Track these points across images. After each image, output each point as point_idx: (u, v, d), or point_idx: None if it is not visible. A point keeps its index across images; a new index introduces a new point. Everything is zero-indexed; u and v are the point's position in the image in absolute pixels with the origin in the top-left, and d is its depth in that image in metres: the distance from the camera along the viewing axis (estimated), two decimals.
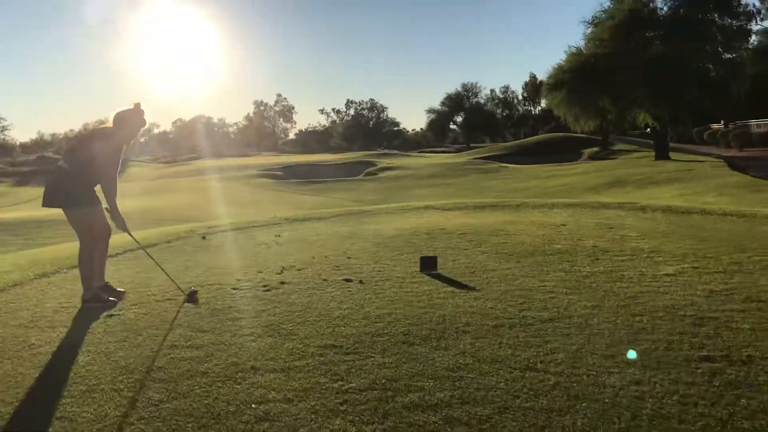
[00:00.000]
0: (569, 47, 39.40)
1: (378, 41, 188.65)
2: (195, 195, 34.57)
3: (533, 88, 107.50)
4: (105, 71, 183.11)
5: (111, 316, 4.84)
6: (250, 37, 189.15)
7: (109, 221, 5.31)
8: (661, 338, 3.85)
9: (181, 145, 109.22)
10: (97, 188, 5.32)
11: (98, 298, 5.13)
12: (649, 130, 57.87)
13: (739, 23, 35.72)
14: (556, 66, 38.60)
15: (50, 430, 2.98)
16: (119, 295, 5.33)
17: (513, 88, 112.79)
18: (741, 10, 35.34)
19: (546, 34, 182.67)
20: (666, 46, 34.27)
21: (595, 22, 37.94)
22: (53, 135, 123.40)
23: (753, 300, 4.59)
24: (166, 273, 5.58)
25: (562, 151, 53.80)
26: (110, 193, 5.12)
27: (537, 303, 4.72)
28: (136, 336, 4.31)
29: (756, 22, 38.03)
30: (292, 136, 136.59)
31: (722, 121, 50.46)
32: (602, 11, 37.77)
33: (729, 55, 35.79)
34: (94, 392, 3.38)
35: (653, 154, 40.07)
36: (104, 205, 5.22)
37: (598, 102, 36.62)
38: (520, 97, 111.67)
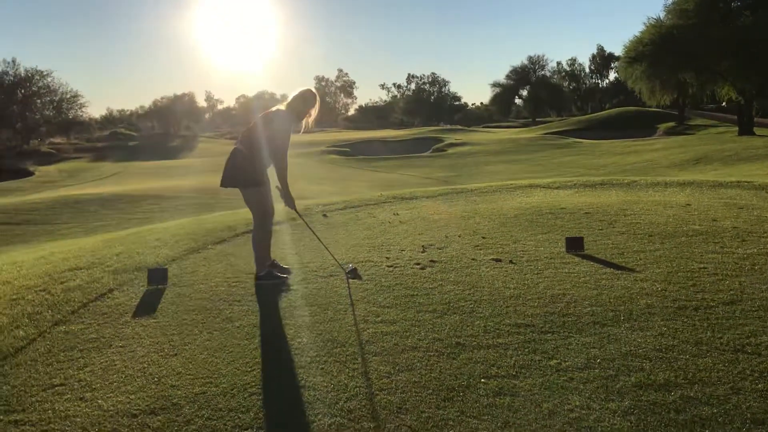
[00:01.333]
0: (649, 18, 38.26)
1: (439, 14, 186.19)
2: (270, 172, 35.15)
3: (601, 60, 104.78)
4: (170, 48, 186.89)
5: (288, 291, 5.10)
6: (310, 13, 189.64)
7: (278, 200, 5.55)
8: None
9: (245, 121, 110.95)
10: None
11: (271, 274, 5.40)
12: (724, 104, 55.89)
13: None
14: (634, 38, 37.56)
15: (301, 398, 3.21)
16: (286, 272, 5.58)
17: (580, 60, 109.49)
18: None
19: (612, 4, 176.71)
20: (755, 15, 32.84)
21: None
22: (121, 111, 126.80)
23: None
24: (329, 251, 5.83)
25: (636, 126, 52.44)
26: (282, 172, 5.35)
27: (708, 285, 4.74)
28: (324, 311, 4.55)
29: None
30: (352, 111, 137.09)
31: None
32: None
33: None
34: (320, 363, 3.61)
35: (735, 129, 38.72)
36: (275, 184, 5.45)
37: (680, 75, 35.50)
38: (587, 70, 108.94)
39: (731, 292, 4.56)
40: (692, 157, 27.89)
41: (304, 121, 5.54)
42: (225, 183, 5.44)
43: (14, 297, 5.24)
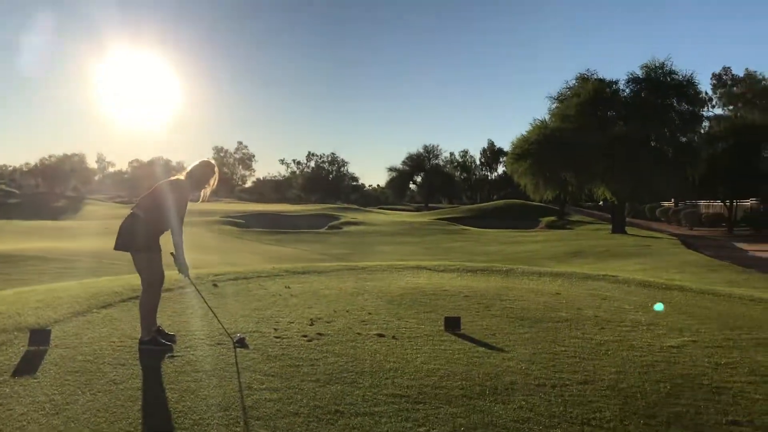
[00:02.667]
0: (535, 120, 41.25)
1: (341, 98, 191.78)
2: (164, 238, 34.35)
3: (491, 154, 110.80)
4: (63, 104, 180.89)
5: (173, 356, 5.17)
6: (212, 82, 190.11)
7: (170, 266, 5.67)
8: (688, 403, 4.41)
9: (138, 186, 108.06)
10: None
11: (155, 341, 5.45)
12: (601, 203, 60.21)
13: (693, 108, 38.17)
14: (521, 137, 40.27)
15: None
16: (171, 339, 5.65)
17: (471, 152, 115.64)
18: (697, 96, 37.81)
19: (504, 104, 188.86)
20: (627, 125, 36.28)
21: (561, 98, 39.96)
22: (3, 166, 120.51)
23: (757, 374, 5.21)
24: (218, 319, 5.95)
25: (520, 217, 55.51)
26: (178, 240, 5.51)
27: (567, 366, 5.25)
28: (210, 377, 4.67)
29: (708, 108, 40.76)
30: (250, 183, 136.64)
31: (672, 199, 52.98)
32: (567, 89, 39.87)
33: (684, 138, 38.07)
34: (202, 426, 3.74)
35: (609, 226, 41.79)
36: (170, 250, 5.58)
37: (561, 173, 38.23)
38: (478, 162, 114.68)
39: (585, 373, 5.07)
40: (570, 251, 29.74)
41: (201, 192, 5.77)
42: (118, 246, 5.52)
43: None
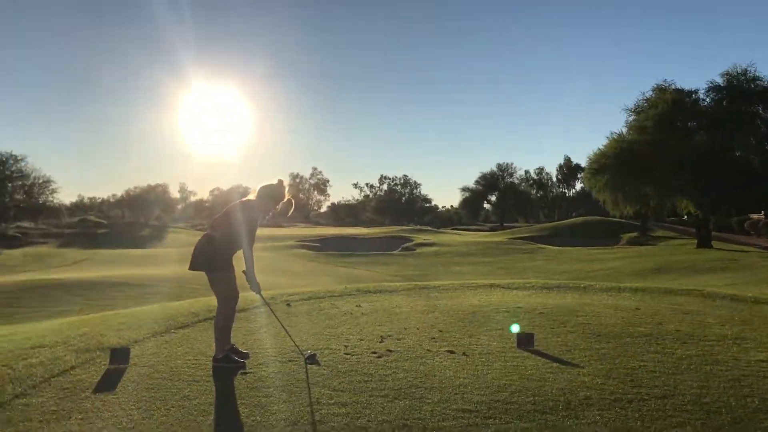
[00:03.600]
0: (612, 133, 40.23)
1: (413, 118, 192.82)
2: (238, 263, 35.34)
3: (568, 170, 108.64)
4: (147, 138, 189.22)
5: (246, 373, 5.27)
6: (287, 111, 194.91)
7: (244, 286, 5.79)
8: None
9: (218, 213, 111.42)
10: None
11: (229, 358, 5.56)
12: (685, 217, 57.90)
13: None
14: (597, 151, 39.33)
15: None
16: (245, 356, 5.75)
17: (548, 169, 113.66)
18: None
19: (579, 119, 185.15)
20: (709, 135, 34.89)
21: (638, 110, 38.85)
22: (92, 198, 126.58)
23: None
24: (290, 337, 6.03)
25: (600, 235, 53.97)
26: (248, 258, 5.63)
27: (645, 381, 5.03)
28: (280, 392, 4.72)
29: None
30: (324, 208, 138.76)
31: (762, 212, 50.39)
32: (644, 100, 38.74)
33: None
34: None
35: (694, 241, 40.13)
36: (242, 268, 5.71)
37: (640, 188, 37.06)
38: (555, 179, 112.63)
39: (665, 387, 4.85)
40: (652, 267, 28.75)
41: (272, 211, 5.89)
42: (193, 266, 5.69)
43: None
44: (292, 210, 6.05)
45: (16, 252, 46.98)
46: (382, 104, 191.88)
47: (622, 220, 55.72)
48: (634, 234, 52.62)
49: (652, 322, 7.66)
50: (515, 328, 4.23)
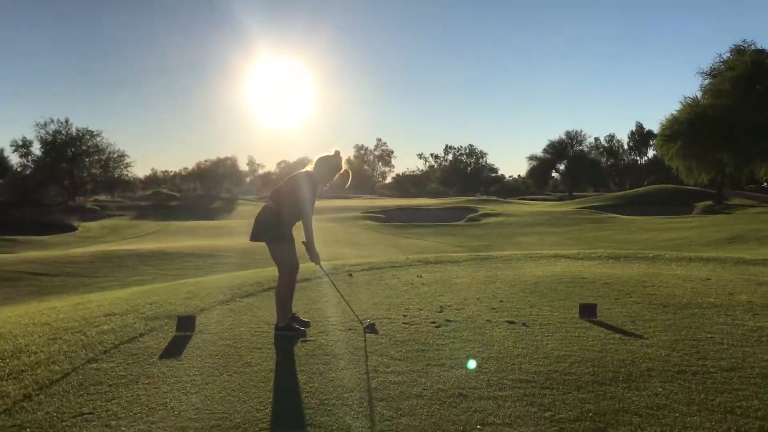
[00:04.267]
0: (685, 98, 38.65)
1: (479, 87, 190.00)
2: (298, 234, 35.82)
3: (640, 137, 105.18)
4: (217, 113, 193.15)
5: (306, 341, 5.37)
6: (352, 82, 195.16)
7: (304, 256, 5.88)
8: None
9: (278, 185, 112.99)
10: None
11: (290, 326, 5.68)
12: (765, 184, 55.29)
13: None
14: (670, 117, 37.90)
15: None
16: (306, 324, 5.87)
17: (618, 136, 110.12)
18: None
19: (653, 82, 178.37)
20: None
21: (714, 73, 37.13)
22: (165, 172, 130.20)
23: None
24: (350, 306, 6.11)
25: (673, 203, 52.08)
26: (308, 228, 5.71)
27: (711, 353, 4.87)
28: (338, 360, 4.80)
29: None
30: (389, 179, 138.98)
31: None
32: (721, 62, 36.95)
33: None
34: (327, 406, 3.85)
35: None
36: (302, 239, 5.79)
37: (716, 154, 35.56)
38: (626, 147, 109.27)
39: (733, 360, 4.68)
40: (727, 236, 27.63)
41: (330, 182, 5.93)
42: (254, 237, 5.81)
43: (52, 337, 5.62)
44: (349, 181, 6.08)
45: (94, 224, 49.07)
46: (447, 73, 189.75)
47: (696, 188, 53.64)
48: (709, 202, 50.57)
49: (723, 293, 7.40)
50: (472, 364, 4.25)
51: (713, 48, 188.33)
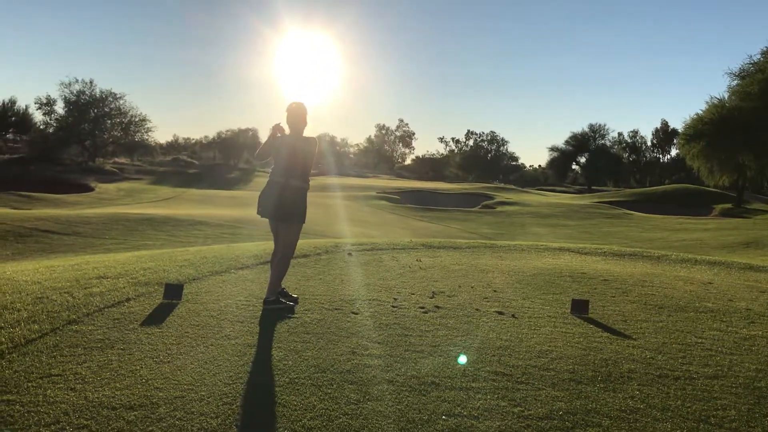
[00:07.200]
0: (711, 98, 38.00)
1: (504, 75, 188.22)
2: (319, 210, 35.95)
3: (664, 135, 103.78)
4: (240, 84, 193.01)
5: (290, 318, 5.34)
6: (376, 62, 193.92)
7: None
8: None
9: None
10: None
11: (278, 300, 5.65)
12: None
13: None
14: (695, 116, 37.30)
15: (269, 412, 3.42)
16: (294, 300, 5.84)
17: (642, 133, 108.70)
18: None
19: (682, 80, 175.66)
20: None
21: (743, 75, 36.42)
22: (186, 139, 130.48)
23: None
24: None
25: (692, 204, 51.35)
26: (293, 187, 5.85)
27: (698, 359, 4.77)
28: (318, 339, 4.76)
29: None
30: (409, 161, 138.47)
31: None
32: (751, 64, 36.22)
33: None
34: (296, 385, 3.81)
35: None
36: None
37: (739, 157, 34.98)
38: (649, 144, 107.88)
39: (718, 367, 4.58)
40: (742, 241, 27.23)
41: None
42: (280, 217, 5.78)
43: (40, 296, 5.63)
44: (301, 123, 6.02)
45: (111, 186, 49.39)
46: (474, 57, 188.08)
47: (718, 190, 52.87)
48: (729, 205, 49.82)
49: (723, 298, 7.26)
50: (463, 359, 4.17)
51: (746, 48, 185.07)
